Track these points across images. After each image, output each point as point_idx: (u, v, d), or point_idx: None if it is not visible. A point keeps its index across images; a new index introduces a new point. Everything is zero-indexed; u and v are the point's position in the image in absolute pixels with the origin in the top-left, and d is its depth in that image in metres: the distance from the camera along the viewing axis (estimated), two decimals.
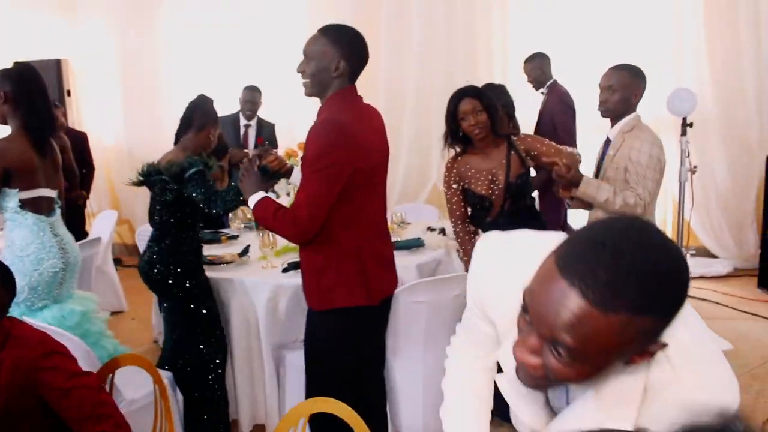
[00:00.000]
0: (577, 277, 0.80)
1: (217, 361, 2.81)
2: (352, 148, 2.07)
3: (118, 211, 5.32)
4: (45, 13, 6.45)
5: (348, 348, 2.32)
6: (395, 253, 2.57)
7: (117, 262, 5.60)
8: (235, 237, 3.76)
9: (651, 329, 0.82)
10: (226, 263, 3.15)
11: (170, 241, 2.72)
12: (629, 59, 2.98)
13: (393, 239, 2.72)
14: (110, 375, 2.04)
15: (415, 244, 3.38)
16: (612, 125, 2.83)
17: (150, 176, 2.69)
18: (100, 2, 6.36)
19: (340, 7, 5.78)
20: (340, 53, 2.09)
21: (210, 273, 2.95)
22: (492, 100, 2.92)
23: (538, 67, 4.70)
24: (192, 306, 2.75)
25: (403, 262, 2.94)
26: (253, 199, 2.22)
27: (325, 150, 2.04)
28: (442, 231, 3.69)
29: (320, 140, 2.05)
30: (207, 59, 6.20)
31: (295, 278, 2.90)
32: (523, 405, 1.07)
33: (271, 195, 2.35)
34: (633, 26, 5.44)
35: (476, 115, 2.82)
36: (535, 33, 5.56)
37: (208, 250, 3.27)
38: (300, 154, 2.91)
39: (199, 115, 2.78)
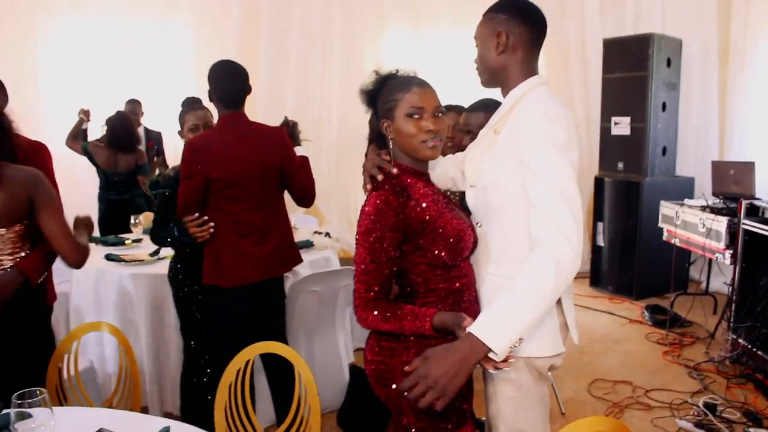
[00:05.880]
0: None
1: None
2: (204, 162, 2.63)
3: None
4: None
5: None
6: None
7: None
8: (138, 240, 4.03)
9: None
10: (139, 261, 3.48)
11: None
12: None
13: None
14: (76, 341, 2.30)
15: (306, 245, 3.86)
16: None
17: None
18: None
19: (224, 36, 6.36)
20: (212, 87, 2.75)
21: (126, 270, 3.28)
22: None
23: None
24: None
25: None
26: None
27: (185, 164, 2.68)
28: (327, 234, 4.18)
29: (183, 157, 2.70)
30: (86, 73, 6.34)
31: None
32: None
33: None
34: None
35: None
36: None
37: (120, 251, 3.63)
38: None
39: None
